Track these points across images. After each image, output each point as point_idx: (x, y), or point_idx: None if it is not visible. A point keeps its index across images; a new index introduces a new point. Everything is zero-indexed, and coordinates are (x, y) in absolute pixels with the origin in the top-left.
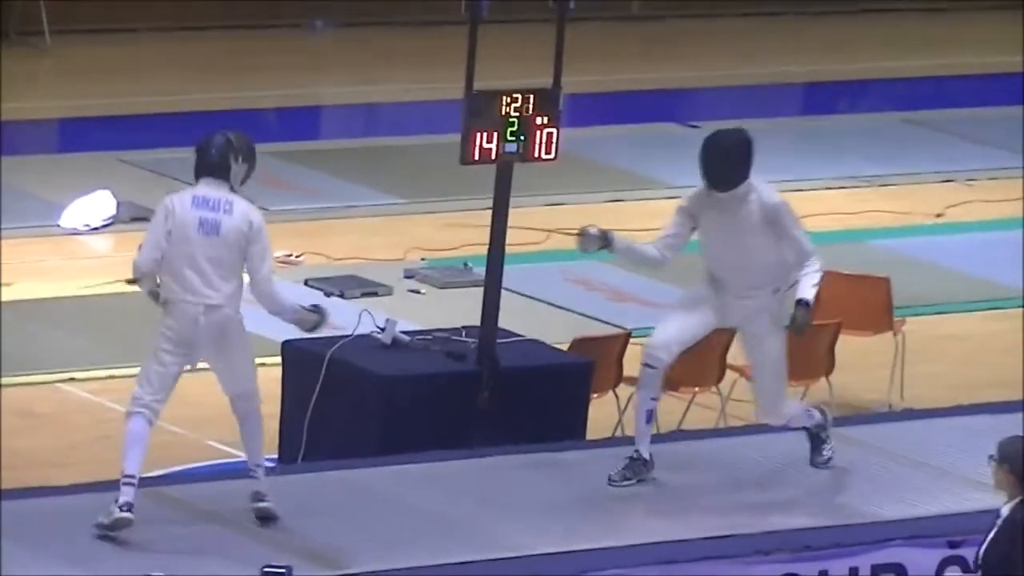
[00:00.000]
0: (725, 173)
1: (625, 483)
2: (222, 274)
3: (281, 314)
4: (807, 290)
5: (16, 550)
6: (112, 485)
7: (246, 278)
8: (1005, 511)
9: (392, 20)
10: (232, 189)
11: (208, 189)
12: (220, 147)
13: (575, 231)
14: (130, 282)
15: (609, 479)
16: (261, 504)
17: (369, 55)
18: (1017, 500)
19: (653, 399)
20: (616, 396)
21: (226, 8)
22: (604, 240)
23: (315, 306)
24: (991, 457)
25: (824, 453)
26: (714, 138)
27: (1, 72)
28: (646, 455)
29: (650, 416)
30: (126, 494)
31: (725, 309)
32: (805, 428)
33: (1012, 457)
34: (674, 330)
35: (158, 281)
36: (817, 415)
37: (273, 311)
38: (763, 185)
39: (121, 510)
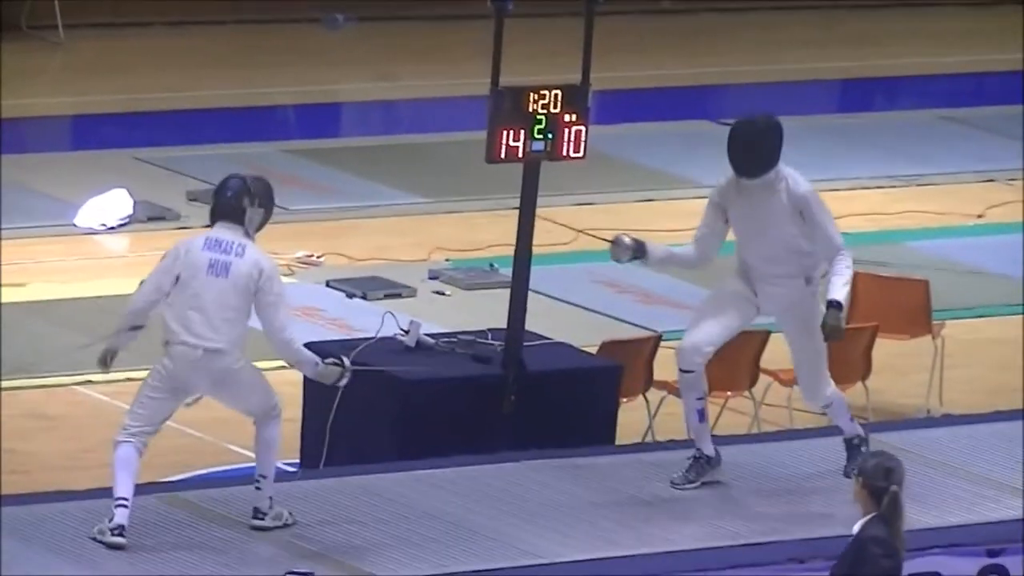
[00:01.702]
0: (753, 159)
1: (688, 485)
2: (226, 317)
3: (300, 366)
4: (838, 290)
5: (30, 554)
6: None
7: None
8: (856, 528)
9: (414, 14)
10: (247, 234)
11: (221, 232)
12: (236, 190)
13: (608, 238)
14: (133, 328)
15: (672, 482)
16: (256, 522)
17: (391, 50)
18: (868, 517)
19: (700, 399)
20: (646, 400)
21: (242, 2)
22: (638, 249)
23: (337, 359)
24: (853, 471)
25: None
26: (742, 124)
27: (1, 68)
28: (709, 452)
29: (702, 415)
30: (119, 516)
31: (758, 300)
32: (844, 439)
33: (869, 472)
34: (705, 331)
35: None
36: (859, 428)
37: (291, 362)
38: (793, 173)
39: (112, 533)
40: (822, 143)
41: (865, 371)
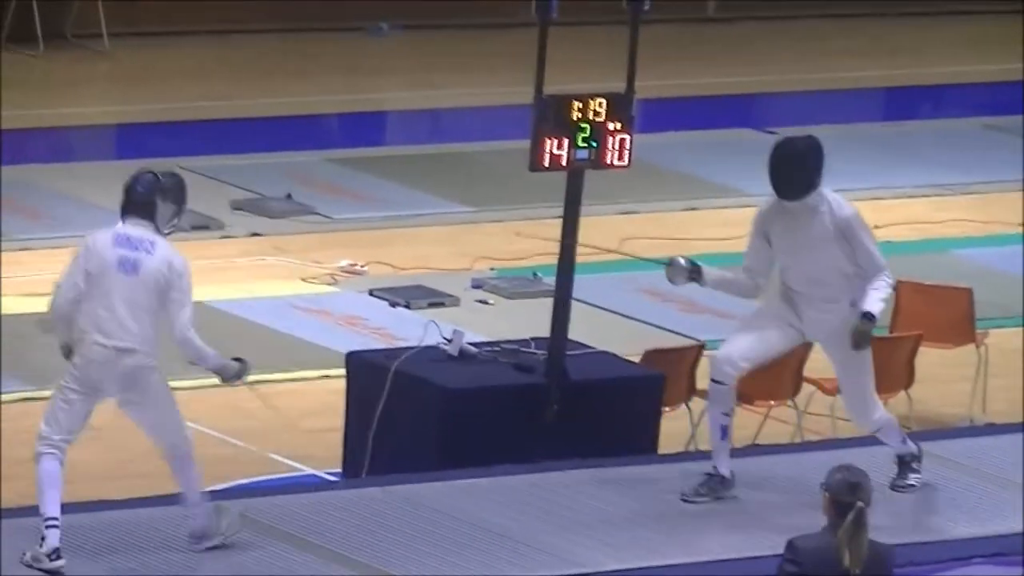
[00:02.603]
0: (794, 181)
1: (698, 499)
2: (137, 316)
3: (202, 362)
4: (874, 303)
5: (72, 565)
6: (171, 499)
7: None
8: None
9: (458, 23)
10: (157, 230)
11: (131, 228)
12: (146, 186)
13: (665, 260)
14: (46, 330)
15: (682, 495)
16: (208, 545)
17: (434, 58)
18: (823, 527)
19: (726, 414)
20: (689, 409)
21: (287, 11)
22: (693, 272)
23: (237, 358)
24: (822, 484)
25: (909, 479)
26: (783, 145)
27: (47, 77)
28: (724, 472)
29: (724, 432)
30: (52, 538)
31: (803, 325)
32: (897, 454)
33: (834, 487)
34: (742, 345)
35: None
36: (913, 446)
37: (193, 359)
38: (836, 196)
39: (51, 559)
40: (866, 152)
41: (908, 380)
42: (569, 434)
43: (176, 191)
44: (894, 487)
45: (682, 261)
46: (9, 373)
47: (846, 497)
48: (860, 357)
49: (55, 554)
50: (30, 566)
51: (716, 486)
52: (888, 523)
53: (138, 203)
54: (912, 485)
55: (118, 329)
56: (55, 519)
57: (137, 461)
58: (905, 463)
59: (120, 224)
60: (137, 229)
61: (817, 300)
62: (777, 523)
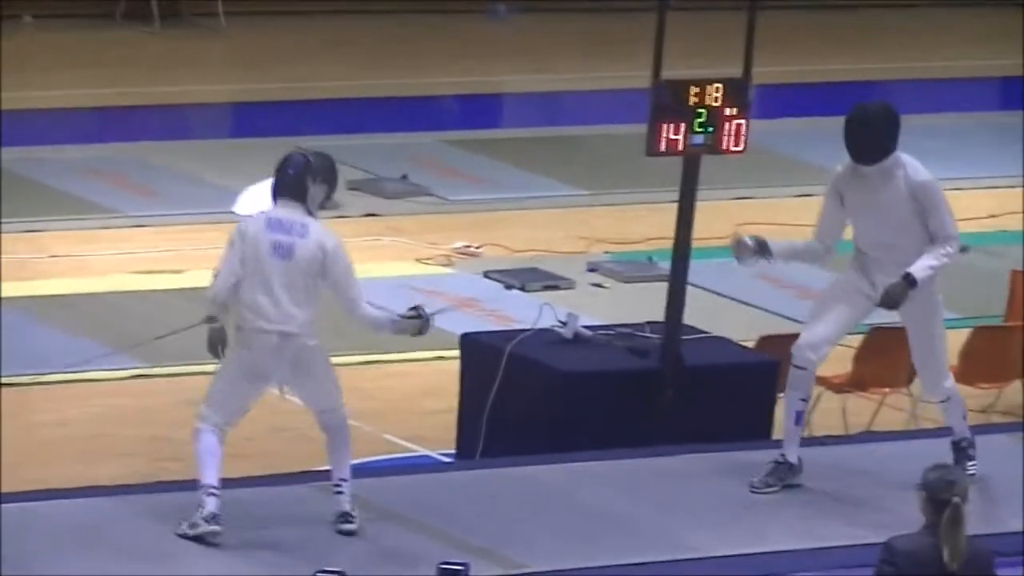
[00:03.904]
0: (869, 146)
1: (767, 489)
2: (296, 300)
3: (381, 330)
4: (921, 268)
5: (191, 543)
6: (288, 478)
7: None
8: None
9: (577, 7)
10: (309, 211)
11: (283, 211)
12: (297, 167)
13: (728, 238)
14: (208, 320)
15: (751, 486)
16: (348, 526)
17: (551, 42)
18: (921, 527)
19: (803, 400)
20: None
21: None
22: (760, 249)
23: (414, 309)
24: (917, 485)
25: (967, 468)
26: (859, 110)
27: (163, 54)
28: (792, 459)
29: (799, 418)
30: (211, 504)
31: (875, 290)
32: (952, 440)
33: (932, 485)
34: (823, 329)
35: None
36: (969, 432)
37: (373, 329)
38: (913, 161)
39: (208, 522)
40: (986, 140)
41: (1023, 369)
42: (683, 419)
43: (326, 172)
44: None
45: (748, 240)
46: (121, 350)
47: (943, 494)
48: (930, 321)
49: (213, 519)
50: (185, 535)
51: (784, 474)
52: (1000, 509)
53: (289, 185)
54: (971, 475)
55: (280, 315)
56: (214, 487)
57: (253, 440)
58: (961, 449)
59: (271, 207)
60: (288, 212)
61: (888, 264)
62: (889, 510)
